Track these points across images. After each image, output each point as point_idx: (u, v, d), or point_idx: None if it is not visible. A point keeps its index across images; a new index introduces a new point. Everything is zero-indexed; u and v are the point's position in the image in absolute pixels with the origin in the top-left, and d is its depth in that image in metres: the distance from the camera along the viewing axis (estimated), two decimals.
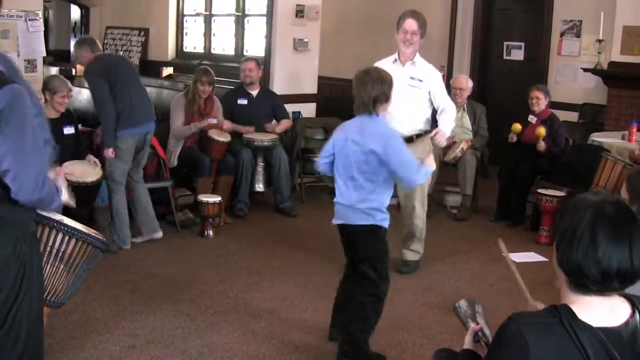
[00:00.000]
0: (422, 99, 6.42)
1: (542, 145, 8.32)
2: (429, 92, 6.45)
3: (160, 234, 7.38)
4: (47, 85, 6.96)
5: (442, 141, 6.38)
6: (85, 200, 6.64)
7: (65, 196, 3.71)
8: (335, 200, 4.96)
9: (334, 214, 5.01)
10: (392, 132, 4.92)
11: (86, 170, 6.63)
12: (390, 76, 4.89)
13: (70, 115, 7.21)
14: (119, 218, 7.05)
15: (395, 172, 4.78)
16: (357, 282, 4.98)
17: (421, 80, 6.39)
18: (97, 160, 6.91)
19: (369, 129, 4.79)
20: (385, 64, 6.06)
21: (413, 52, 6.45)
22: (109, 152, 6.84)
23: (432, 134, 6.37)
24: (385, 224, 4.90)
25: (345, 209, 4.89)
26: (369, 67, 5.08)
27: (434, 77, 6.49)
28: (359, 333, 4.92)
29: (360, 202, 4.82)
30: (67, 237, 3.96)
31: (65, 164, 6.32)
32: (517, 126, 8.54)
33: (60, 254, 3.97)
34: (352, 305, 4.98)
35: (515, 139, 8.54)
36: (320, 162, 5.07)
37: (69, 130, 7.03)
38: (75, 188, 6.06)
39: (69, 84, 7.10)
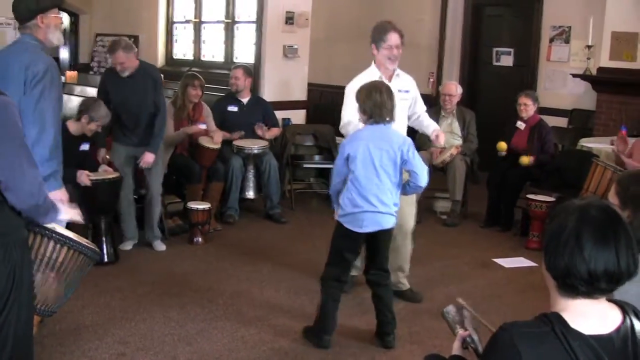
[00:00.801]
0: (407, 109, 6.36)
1: (530, 160, 8.34)
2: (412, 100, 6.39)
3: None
4: (90, 110, 6.63)
5: (443, 140, 6.40)
6: (108, 200, 6.87)
7: (67, 215, 3.74)
8: (363, 210, 5.15)
9: (352, 222, 5.19)
10: (407, 137, 5.37)
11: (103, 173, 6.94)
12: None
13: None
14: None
15: (416, 173, 5.21)
16: (384, 279, 5.45)
17: (408, 91, 6.29)
18: (109, 169, 7.03)
19: (391, 135, 5.19)
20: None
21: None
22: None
23: (433, 136, 6.34)
24: None
25: (375, 215, 5.17)
26: (378, 81, 5.51)
27: (414, 84, 6.42)
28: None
29: (392, 206, 5.23)
30: (58, 246, 3.94)
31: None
32: (502, 145, 8.58)
33: (51, 262, 3.95)
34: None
35: (505, 154, 8.57)
36: (336, 181, 5.33)
37: (84, 147, 6.83)
38: (99, 185, 6.69)
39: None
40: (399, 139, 5.19)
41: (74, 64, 15.23)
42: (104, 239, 6.87)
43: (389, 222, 5.23)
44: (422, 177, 5.23)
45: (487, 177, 8.96)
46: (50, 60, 4.84)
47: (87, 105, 6.73)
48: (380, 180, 5.12)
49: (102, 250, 6.74)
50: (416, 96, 6.40)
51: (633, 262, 2.22)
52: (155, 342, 5.27)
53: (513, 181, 8.50)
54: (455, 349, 2.72)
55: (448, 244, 7.98)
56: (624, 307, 2.32)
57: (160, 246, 7.41)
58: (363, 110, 5.14)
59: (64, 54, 16.17)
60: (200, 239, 7.57)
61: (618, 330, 2.24)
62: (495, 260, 7.42)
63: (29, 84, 4.65)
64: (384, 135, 5.14)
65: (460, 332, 2.74)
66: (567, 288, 2.23)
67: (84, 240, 4.15)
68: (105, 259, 6.84)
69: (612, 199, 3.39)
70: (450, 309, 2.84)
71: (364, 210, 5.14)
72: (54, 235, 3.89)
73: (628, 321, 2.28)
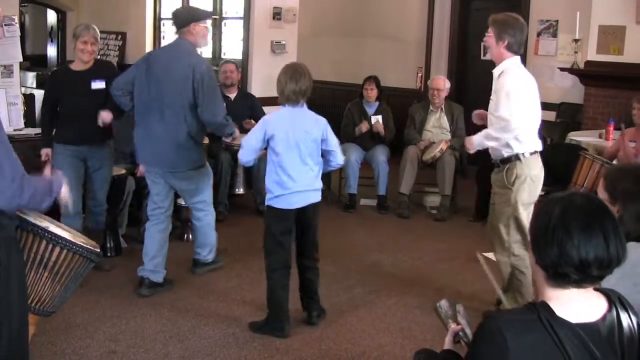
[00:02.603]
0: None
1: None
2: None
3: None
4: (74, 32, 6.38)
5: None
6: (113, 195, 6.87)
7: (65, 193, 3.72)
8: (291, 190, 5.33)
9: (282, 202, 5.38)
10: (322, 118, 5.50)
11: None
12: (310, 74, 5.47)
13: (101, 68, 6.51)
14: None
15: (331, 151, 5.48)
16: (314, 263, 5.67)
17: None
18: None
19: (309, 117, 5.43)
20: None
21: None
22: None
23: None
24: None
25: (303, 194, 5.38)
26: (297, 63, 5.71)
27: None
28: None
29: (317, 183, 5.45)
30: (51, 245, 3.92)
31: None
32: None
33: (44, 261, 3.93)
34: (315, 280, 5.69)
35: None
36: (249, 158, 5.50)
37: (97, 85, 6.36)
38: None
39: (96, 30, 6.36)
40: (317, 121, 5.42)
41: (61, 61, 15.19)
42: (106, 232, 6.99)
43: (316, 198, 5.46)
44: (339, 155, 5.52)
45: (476, 171, 8.98)
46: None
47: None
48: (304, 160, 5.32)
49: (105, 244, 6.94)
50: None
51: (622, 247, 2.25)
52: (147, 339, 5.27)
53: None
54: (447, 343, 2.73)
55: (438, 239, 8.00)
56: (610, 296, 2.35)
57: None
58: (281, 92, 5.35)
59: (51, 51, 16.14)
60: (190, 236, 7.56)
61: (604, 318, 2.27)
62: (485, 254, 7.43)
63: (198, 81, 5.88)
64: (302, 117, 5.37)
65: (453, 326, 2.75)
66: (559, 277, 2.25)
67: (79, 240, 4.13)
68: (108, 254, 6.97)
69: (601, 194, 3.41)
70: (443, 304, 2.85)
71: (293, 191, 5.33)
72: (46, 234, 3.88)
73: (614, 309, 2.30)
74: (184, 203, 7.40)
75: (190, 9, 7.13)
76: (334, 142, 5.47)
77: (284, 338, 5.36)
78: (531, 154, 5.51)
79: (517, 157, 5.49)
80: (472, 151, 5.82)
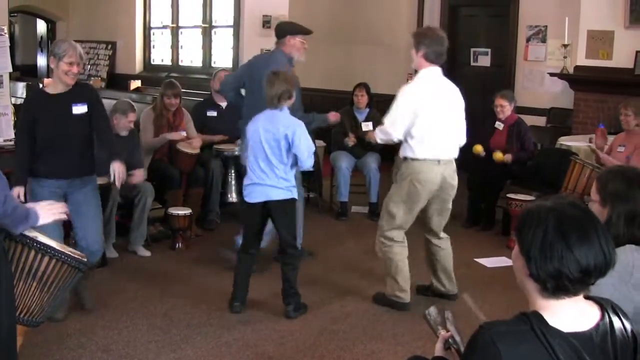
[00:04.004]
0: None
1: (508, 158, 8.38)
2: None
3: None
4: (53, 50, 5.55)
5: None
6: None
7: (47, 219, 3.73)
8: (252, 182, 5.84)
9: (246, 194, 5.92)
10: (298, 121, 5.85)
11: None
12: (295, 79, 6.05)
13: (81, 90, 5.76)
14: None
15: (296, 155, 5.77)
16: (287, 258, 5.98)
17: None
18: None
19: (280, 119, 5.78)
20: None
21: None
22: None
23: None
24: (296, 195, 5.98)
25: (262, 187, 5.81)
26: (278, 70, 6.04)
27: None
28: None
29: (281, 181, 5.81)
30: (39, 255, 3.92)
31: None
32: (478, 148, 8.60)
33: (33, 271, 3.93)
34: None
35: (483, 154, 8.60)
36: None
37: (79, 109, 5.64)
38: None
39: (80, 48, 5.63)
40: (284, 123, 5.75)
41: (51, 71, 15.18)
42: None
43: (277, 195, 5.80)
44: (304, 160, 5.79)
45: (467, 177, 8.99)
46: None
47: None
48: (267, 158, 5.76)
49: None
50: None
51: (612, 249, 2.25)
52: (139, 349, 5.26)
53: (493, 181, 8.54)
54: (438, 350, 2.73)
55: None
56: (603, 304, 2.34)
57: (143, 252, 7.44)
58: (266, 95, 5.82)
59: (41, 61, 16.13)
60: (181, 245, 7.56)
61: (597, 327, 2.26)
62: (477, 260, 7.45)
63: None
64: (272, 118, 5.78)
65: (442, 333, 2.75)
66: (557, 290, 2.24)
67: (68, 250, 4.12)
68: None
69: (594, 196, 3.43)
70: (432, 311, 2.86)
71: (253, 183, 5.85)
72: (35, 244, 3.88)
73: (607, 318, 2.30)
74: (174, 212, 7.37)
75: (290, 23, 7.46)
76: (301, 146, 5.74)
77: (233, 314, 5.88)
78: (423, 159, 5.83)
79: (406, 159, 5.92)
80: (373, 141, 6.44)
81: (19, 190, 5.42)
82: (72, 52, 5.44)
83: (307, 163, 5.84)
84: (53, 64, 5.49)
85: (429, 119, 5.78)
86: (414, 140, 5.80)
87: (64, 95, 5.57)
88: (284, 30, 7.00)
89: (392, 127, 5.86)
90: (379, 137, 6.06)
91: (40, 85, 13.10)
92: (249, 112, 6.44)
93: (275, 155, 5.75)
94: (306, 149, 5.77)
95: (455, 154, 6.03)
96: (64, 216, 4.09)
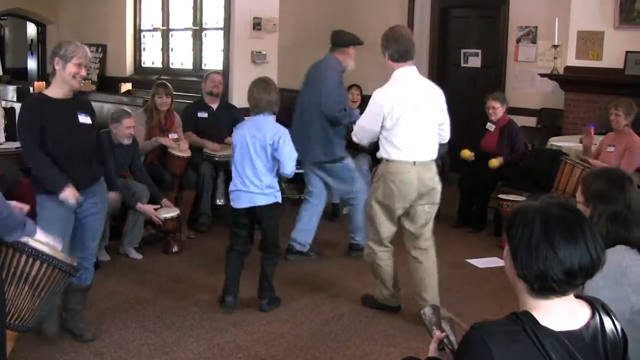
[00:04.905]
0: None
1: (500, 162, 8.40)
2: None
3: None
4: (58, 51, 5.07)
5: None
6: None
7: (43, 238, 3.74)
8: (239, 189, 6.00)
9: (232, 200, 6.08)
10: (284, 128, 6.03)
11: None
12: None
13: (82, 101, 5.46)
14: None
15: (280, 161, 5.92)
16: (269, 256, 6.19)
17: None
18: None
19: (266, 126, 5.95)
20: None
21: None
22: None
23: None
24: (280, 199, 6.15)
25: (248, 194, 5.96)
26: (262, 77, 6.27)
27: None
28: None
29: (266, 188, 5.97)
30: (31, 259, 3.91)
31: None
32: (466, 153, 8.64)
33: (24, 275, 3.92)
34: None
35: (472, 159, 8.62)
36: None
37: (84, 119, 5.23)
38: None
39: (87, 51, 5.14)
40: (272, 129, 5.93)
41: (41, 74, 15.16)
42: None
43: (261, 200, 5.96)
44: (287, 165, 5.94)
45: (458, 178, 9.01)
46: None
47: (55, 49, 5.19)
48: (254, 164, 5.91)
49: None
50: None
51: (601, 250, 2.25)
52: (131, 352, 5.25)
53: (485, 182, 8.56)
54: (432, 350, 2.73)
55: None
56: (593, 303, 2.35)
57: (135, 254, 7.44)
58: (255, 103, 5.97)
59: (32, 64, 16.10)
60: (174, 248, 7.56)
61: (587, 325, 2.27)
62: (469, 260, 7.47)
63: None
64: (260, 125, 5.94)
65: (437, 333, 2.75)
66: (544, 291, 2.24)
67: (59, 255, 4.12)
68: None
69: (579, 197, 3.46)
70: (427, 311, 2.86)
71: (239, 190, 5.99)
72: (26, 249, 3.87)
73: (597, 316, 2.31)
74: (161, 215, 7.34)
75: (349, 33, 7.68)
76: (285, 152, 5.89)
77: (226, 309, 6.04)
78: (398, 160, 5.73)
79: (381, 160, 5.88)
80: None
81: (72, 192, 5.00)
82: (81, 54, 5.03)
83: (290, 168, 5.97)
84: (58, 65, 5.02)
85: (401, 120, 5.67)
86: (388, 142, 5.73)
87: (69, 102, 5.15)
88: (347, 39, 7.46)
89: (359, 132, 5.95)
90: (354, 138, 6.12)
91: (31, 89, 13.11)
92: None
93: (262, 160, 5.91)
94: (290, 154, 5.94)
95: (433, 155, 5.85)
96: (57, 246, 4.12)
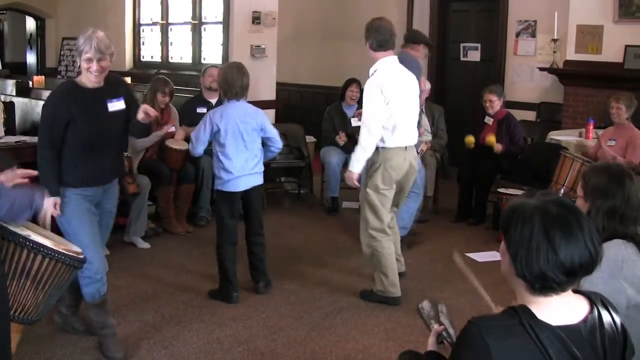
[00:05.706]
0: None
1: (498, 148, 8.41)
2: None
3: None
4: (76, 44, 4.87)
5: None
6: None
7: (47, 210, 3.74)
8: (236, 175, 6.05)
9: (230, 186, 6.09)
10: (261, 110, 6.26)
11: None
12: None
13: (114, 83, 5.14)
14: None
15: (270, 137, 6.19)
16: (259, 239, 6.40)
17: None
18: None
19: (250, 110, 6.13)
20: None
21: None
22: None
23: None
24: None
25: (247, 177, 6.09)
26: (235, 62, 6.45)
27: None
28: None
29: (259, 167, 6.19)
30: (32, 254, 3.91)
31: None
32: (470, 139, 8.63)
33: (26, 270, 3.92)
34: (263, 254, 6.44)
35: (473, 146, 8.62)
36: (200, 150, 6.20)
37: (115, 105, 5.00)
38: None
39: (96, 43, 4.76)
40: (258, 113, 6.16)
41: (40, 69, 15.15)
42: None
43: (257, 180, 6.20)
44: (278, 139, 6.26)
45: (457, 172, 9.01)
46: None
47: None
48: (248, 148, 6.07)
49: None
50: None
51: (599, 245, 2.25)
52: (131, 346, 5.25)
53: (484, 175, 8.56)
54: (431, 344, 2.73)
55: (420, 240, 8.01)
56: (591, 298, 2.35)
57: (143, 244, 7.58)
58: (229, 87, 6.02)
59: (31, 58, 16.08)
60: (173, 242, 7.57)
61: (585, 320, 2.27)
62: (468, 254, 7.46)
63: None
64: (247, 110, 6.10)
65: (435, 327, 2.76)
66: (544, 290, 2.24)
67: (62, 248, 4.11)
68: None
69: (579, 192, 3.49)
70: (426, 305, 2.86)
71: (238, 176, 6.05)
72: (27, 243, 3.87)
73: (595, 311, 2.30)
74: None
75: (422, 33, 8.19)
76: (272, 130, 6.23)
77: (232, 304, 6.04)
78: (394, 147, 5.99)
79: (377, 148, 5.99)
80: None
81: (55, 201, 4.70)
82: (88, 48, 4.72)
83: (280, 142, 6.31)
84: (77, 59, 4.84)
85: (394, 108, 5.91)
86: (386, 130, 5.93)
87: (99, 90, 4.90)
88: (421, 38, 7.78)
89: (373, 123, 5.86)
90: (365, 148, 5.93)
91: (30, 84, 13.07)
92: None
93: (255, 143, 6.13)
94: (276, 131, 6.31)
95: (415, 139, 6.25)
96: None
